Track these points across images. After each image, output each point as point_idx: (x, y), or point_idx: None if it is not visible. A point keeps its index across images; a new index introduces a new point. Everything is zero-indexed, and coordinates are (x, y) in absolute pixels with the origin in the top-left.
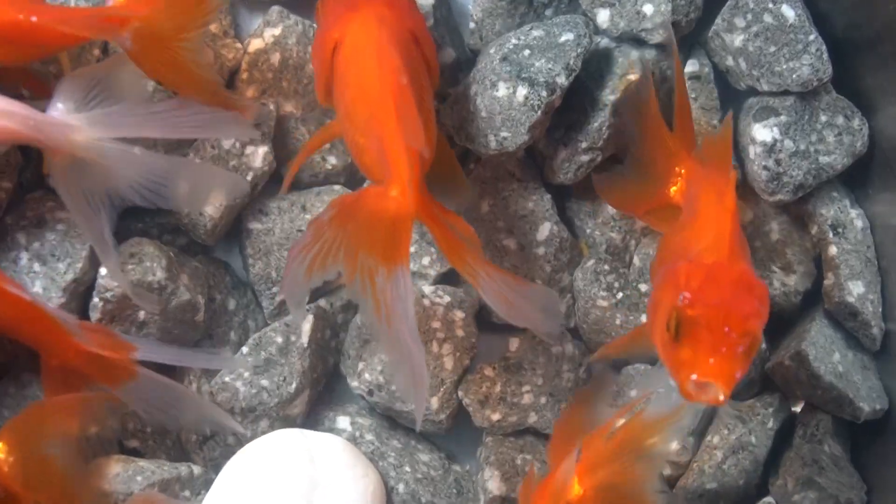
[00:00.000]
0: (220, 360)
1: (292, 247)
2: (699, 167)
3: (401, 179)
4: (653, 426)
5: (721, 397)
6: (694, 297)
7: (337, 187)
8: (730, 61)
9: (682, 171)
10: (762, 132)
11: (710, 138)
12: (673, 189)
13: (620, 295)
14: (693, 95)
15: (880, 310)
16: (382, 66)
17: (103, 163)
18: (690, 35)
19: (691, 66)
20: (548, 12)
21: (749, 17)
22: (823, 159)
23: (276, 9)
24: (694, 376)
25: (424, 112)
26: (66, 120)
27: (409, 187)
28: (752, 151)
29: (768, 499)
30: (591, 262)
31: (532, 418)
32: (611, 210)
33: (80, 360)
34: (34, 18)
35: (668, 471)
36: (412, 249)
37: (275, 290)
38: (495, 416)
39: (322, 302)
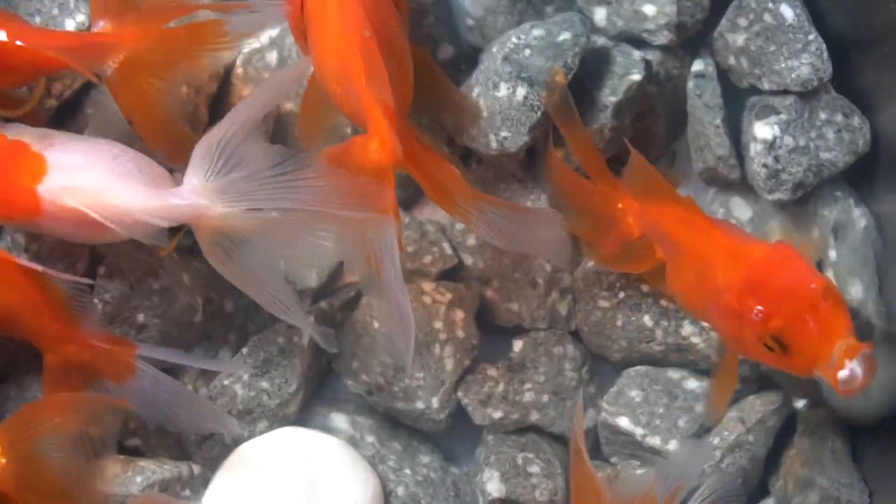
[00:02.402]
0: (221, 364)
1: None
2: (637, 200)
3: (379, 132)
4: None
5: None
6: (765, 311)
7: None
8: (731, 60)
9: (622, 207)
10: (763, 129)
11: (632, 173)
12: (624, 228)
13: (622, 295)
14: (698, 92)
15: (883, 310)
16: (345, 18)
17: (245, 230)
18: (697, 37)
19: (698, 66)
20: (548, 9)
21: (751, 16)
22: (824, 156)
23: None
24: (842, 368)
25: (396, 57)
26: (196, 195)
27: (389, 138)
28: (753, 149)
29: (768, 501)
30: (592, 262)
31: (534, 416)
32: None
33: (82, 355)
34: (19, 42)
35: None
36: (411, 249)
37: None
38: (496, 415)
39: (323, 304)
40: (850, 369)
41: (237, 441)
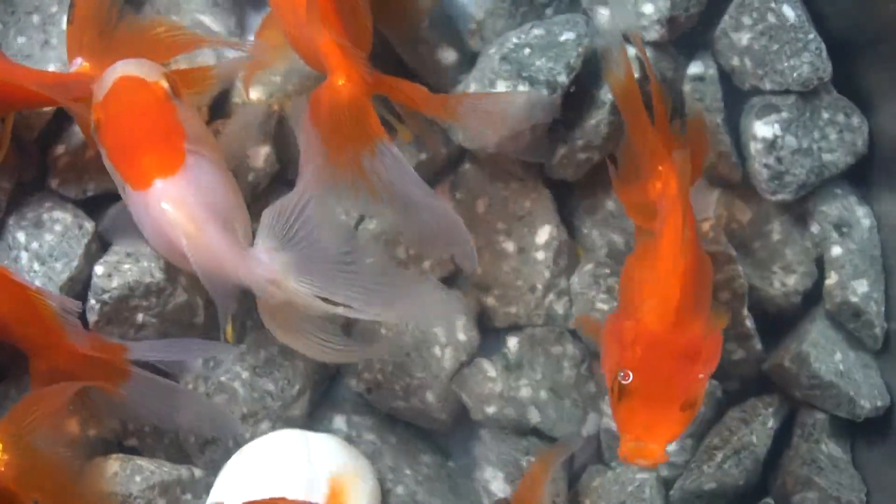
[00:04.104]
0: (213, 348)
1: None
2: (673, 181)
3: (342, 66)
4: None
5: (651, 461)
6: (634, 370)
7: None
8: (735, 61)
9: (662, 169)
10: (763, 129)
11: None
12: (653, 186)
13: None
14: (697, 97)
15: (883, 308)
16: None
17: (308, 307)
18: (694, 36)
19: (695, 68)
20: (548, 11)
21: (755, 15)
22: (826, 157)
23: None
24: (626, 456)
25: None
26: (270, 266)
27: (354, 69)
28: (753, 148)
29: (767, 499)
30: (591, 265)
31: (534, 415)
32: (609, 207)
33: (71, 364)
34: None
35: (664, 472)
36: (410, 253)
37: None
38: (491, 410)
39: None
40: (628, 461)
41: (239, 444)
